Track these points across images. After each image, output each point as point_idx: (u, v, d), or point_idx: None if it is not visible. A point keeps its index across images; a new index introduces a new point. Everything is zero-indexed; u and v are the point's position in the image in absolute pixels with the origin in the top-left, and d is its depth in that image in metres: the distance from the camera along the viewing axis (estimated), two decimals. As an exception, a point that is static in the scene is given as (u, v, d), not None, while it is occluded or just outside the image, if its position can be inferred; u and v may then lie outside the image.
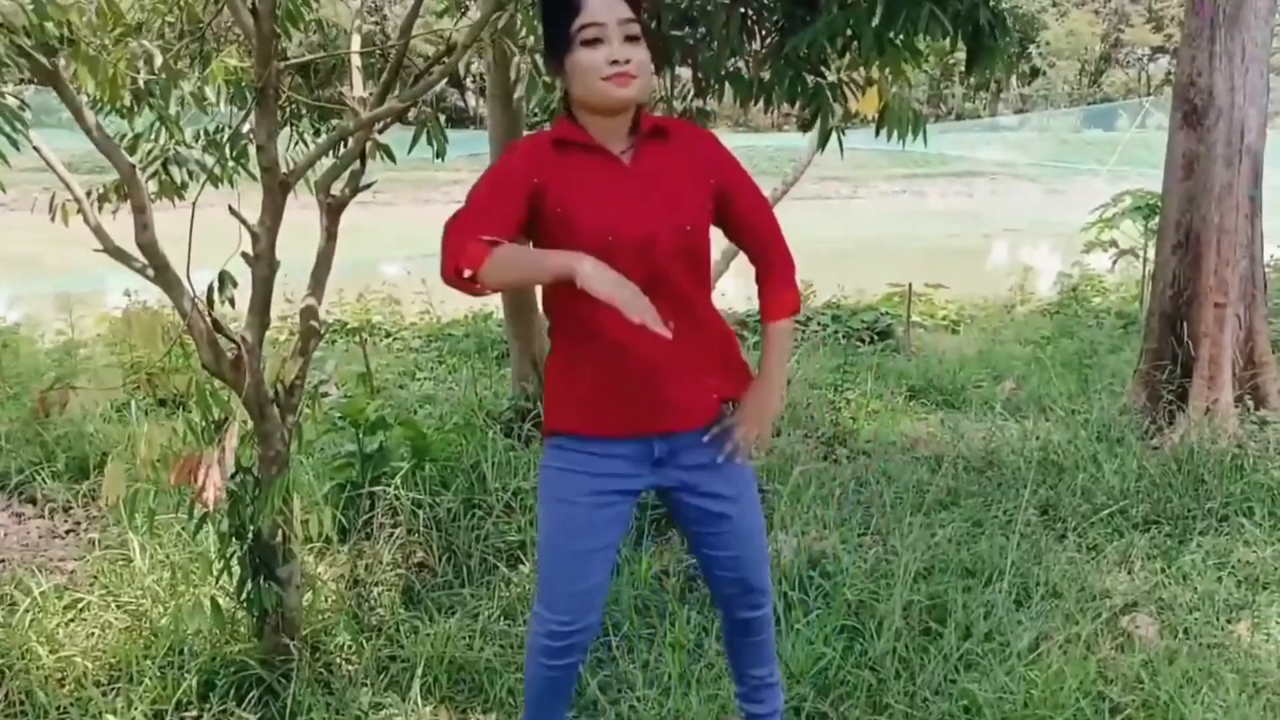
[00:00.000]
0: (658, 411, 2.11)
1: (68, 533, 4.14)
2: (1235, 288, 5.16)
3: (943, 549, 3.76)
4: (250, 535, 2.92)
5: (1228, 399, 5.08)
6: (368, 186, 3.22)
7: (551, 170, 1.98)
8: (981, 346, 7.78)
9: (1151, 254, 8.72)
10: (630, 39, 1.93)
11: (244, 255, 2.82)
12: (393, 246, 18.42)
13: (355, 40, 3.58)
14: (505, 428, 4.92)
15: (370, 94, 3.21)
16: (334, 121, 3.48)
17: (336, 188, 3.14)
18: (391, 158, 3.25)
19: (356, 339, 7.45)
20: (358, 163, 3.16)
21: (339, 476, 4.02)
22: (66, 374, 4.84)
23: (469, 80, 38.53)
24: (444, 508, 3.89)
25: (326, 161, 3.21)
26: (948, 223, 24.36)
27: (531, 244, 2.05)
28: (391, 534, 3.79)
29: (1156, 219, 8.52)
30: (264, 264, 2.77)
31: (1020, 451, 4.87)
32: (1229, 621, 3.41)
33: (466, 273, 1.84)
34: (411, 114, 3.56)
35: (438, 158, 3.33)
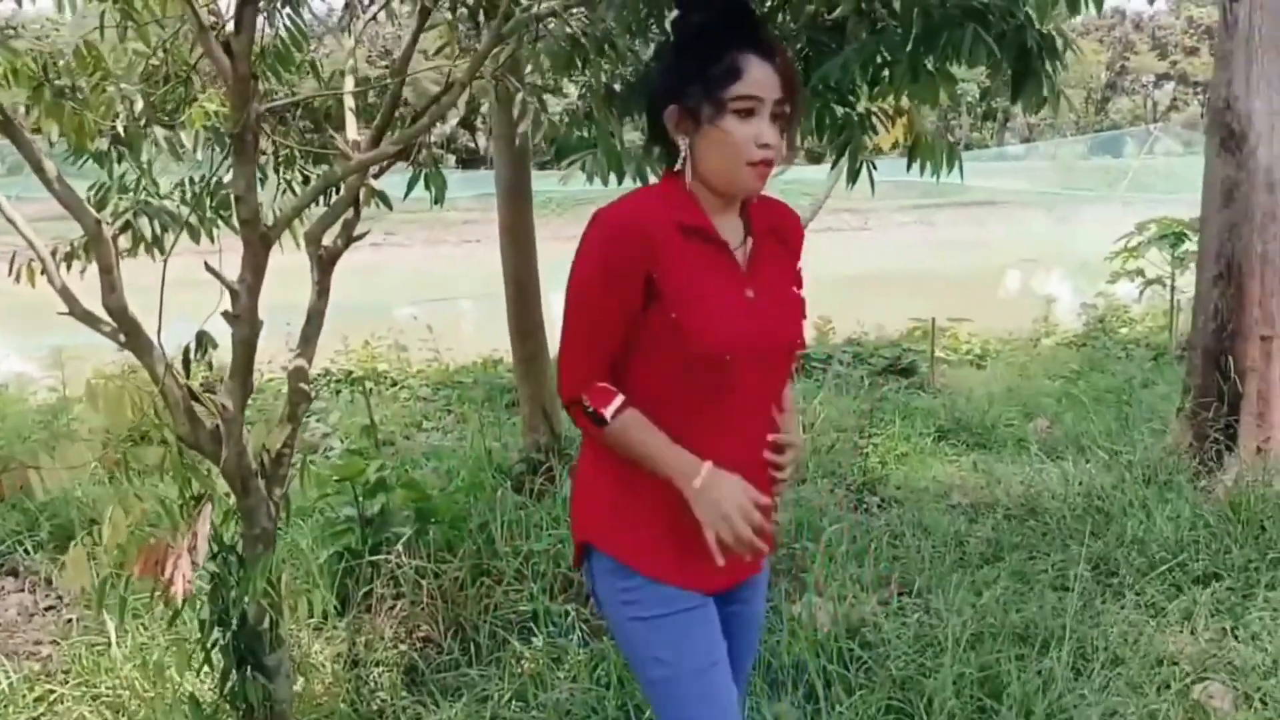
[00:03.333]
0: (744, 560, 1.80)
1: (47, 610, 3.87)
2: (1281, 319, 4.86)
3: (990, 611, 3.45)
4: (234, 622, 2.64)
5: (1279, 438, 4.77)
6: (362, 236, 2.98)
7: (670, 260, 1.66)
8: (1009, 382, 7.46)
9: (1179, 283, 8.50)
10: (776, 119, 1.66)
11: (225, 315, 2.57)
12: (405, 290, 18.32)
13: (349, 81, 3.35)
14: (515, 482, 4.64)
15: (364, 138, 2.98)
16: (325, 168, 3.24)
17: (328, 238, 2.90)
18: (387, 204, 3.02)
19: (361, 388, 7.19)
20: (351, 211, 2.92)
21: (337, 543, 3.75)
22: (49, 439, 4.60)
23: (480, 121, 38.60)
24: (450, 576, 3.60)
25: (317, 211, 2.98)
26: (960, 253, 24.10)
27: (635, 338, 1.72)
28: (393, 606, 3.51)
29: (1183, 247, 8.29)
30: (245, 324, 2.51)
31: (1063, 498, 4.56)
32: (1310, 688, 3.10)
33: (590, 408, 1.69)
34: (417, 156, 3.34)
35: (436, 203, 3.09)
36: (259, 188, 3.05)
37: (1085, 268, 12.79)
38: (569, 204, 33.81)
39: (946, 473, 5.33)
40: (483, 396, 7.03)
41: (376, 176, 3.00)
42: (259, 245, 2.49)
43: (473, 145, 41.81)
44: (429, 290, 17.37)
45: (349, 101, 3.17)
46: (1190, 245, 7.98)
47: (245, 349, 2.54)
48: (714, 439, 1.71)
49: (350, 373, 8.25)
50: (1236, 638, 3.39)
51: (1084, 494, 4.57)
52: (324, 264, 2.86)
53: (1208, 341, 5.04)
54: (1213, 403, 4.95)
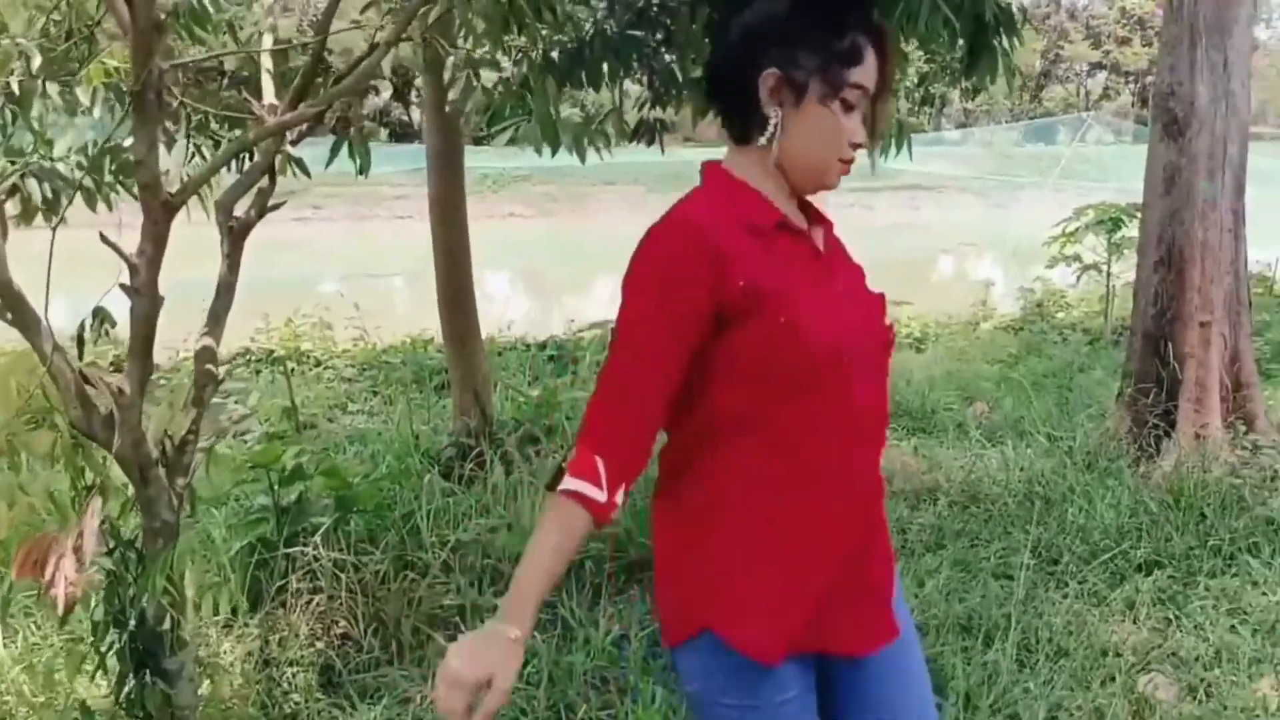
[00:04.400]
0: (861, 624, 1.54)
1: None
2: (1220, 306, 4.88)
3: (933, 602, 3.40)
4: (131, 623, 2.46)
5: (1217, 424, 4.79)
6: (277, 207, 2.79)
7: (754, 265, 1.40)
8: (949, 366, 7.46)
9: (1115, 268, 8.58)
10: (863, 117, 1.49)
11: (123, 287, 2.38)
12: (332, 266, 17.90)
13: (267, 40, 3.16)
14: (444, 468, 4.48)
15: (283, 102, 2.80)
16: (239, 132, 3.04)
17: (241, 209, 2.72)
18: (305, 172, 2.83)
19: (283, 368, 6.94)
20: (266, 180, 2.74)
21: (251, 534, 3.56)
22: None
23: (414, 95, 37.88)
24: (371, 569, 3.43)
25: (230, 179, 2.79)
26: (897, 237, 24.32)
27: (711, 362, 1.43)
28: (310, 601, 3.34)
29: (1120, 233, 8.36)
30: (145, 300, 2.33)
31: (1004, 484, 4.53)
32: (1250, 678, 3.09)
33: (564, 465, 1.38)
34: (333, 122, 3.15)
35: (360, 174, 2.90)
36: (166, 152, 2.86)
37: (1020, 253, 12.92)
38: (506, 180, 33.42)
39: (887, 457, 5.27)
40: (411, 377, 6.83)
41: (295, 143, 2.82)
42: (160, 214, 2.30)
43: (406, 118, 41.02)
44: (358, 266, 16.99)
45: (267, 64, 2.98)
46: (1127, 231, 8.05)
47: (144, 326, 2.35)
48: (832, 472, 1.46)
49: (271, 352, 7.96)
50: (1180, 627, 3.38)
51: (1025, 480, 4.55)
52: (235, 236, 2.68)
53: (1147, 327, 5.05)
54: (1152, 388, 4.96)
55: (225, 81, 3.90)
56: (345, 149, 2.89)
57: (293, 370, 7.34)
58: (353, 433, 5.45)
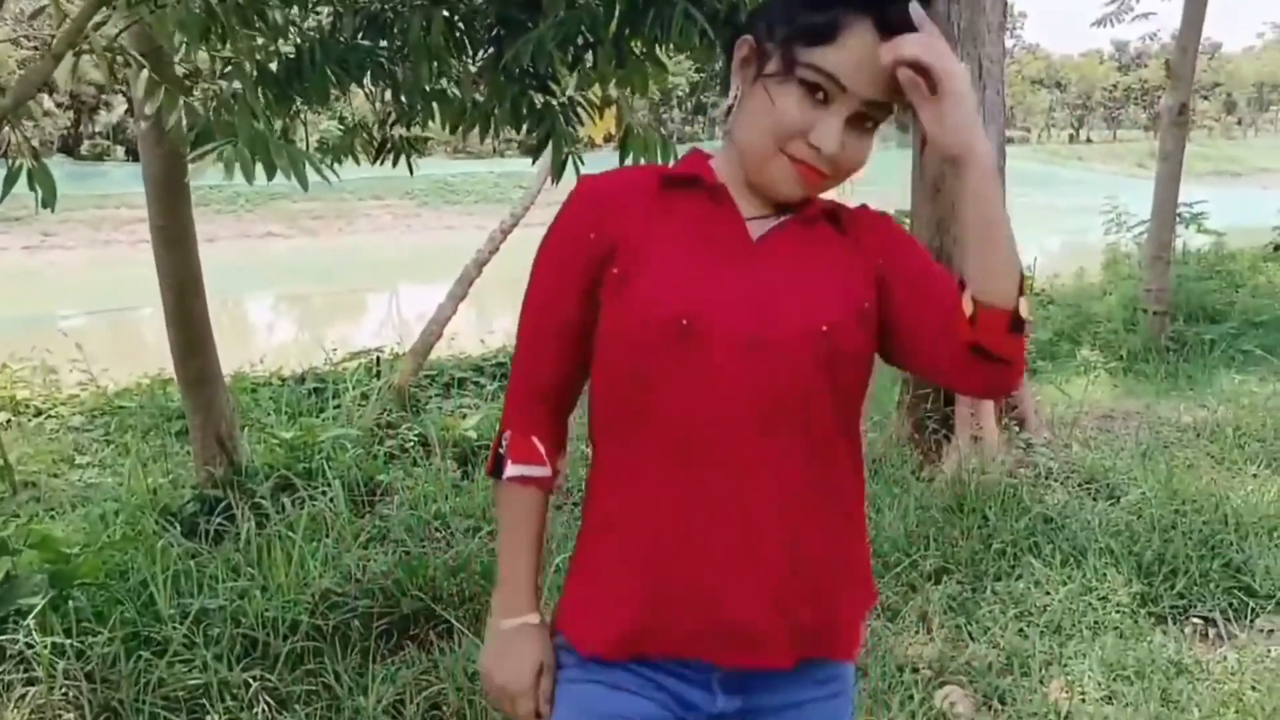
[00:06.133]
0: (758, 633, 1.30)
1: None
2: (988, 309, 5.15)
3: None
4: None
5: (992, 425, 5.06)
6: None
7: (636, 217, 1.29)
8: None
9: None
10: (859, 124, 1.25)
11: None
12: (68, 299, 16.54)
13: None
14: (187, 526, 4.11)
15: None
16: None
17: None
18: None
19: (-7, 422, 6.27)
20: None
21: (-55, 623, 3.13)
22: None
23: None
24: (98, 652, 3.07)
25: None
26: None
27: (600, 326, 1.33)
28: (24, 696, 2.95)
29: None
30: None
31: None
32: (1041, 682, 3.22)
33: (503, 450, 1.42)
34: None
35: (44, 206, 2.56)
36: None
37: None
38: (261, 199, 31.95)
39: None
40: (149, 423, 6.30)
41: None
42: None
43: (145, 135, 38.50)
44: (100, 300, 15.73)
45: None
46: (899, 237, 8.47)
47: None
48: (683, 489, 1.26)
49: (-20, 404, 7.17)
50: (971, 636, 3.49)
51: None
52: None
53: (923, 332, 5.27)
54: (930, 393, 5.18)
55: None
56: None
57: (8, 423, 6.64)
58: (81, 490, 4.94)
